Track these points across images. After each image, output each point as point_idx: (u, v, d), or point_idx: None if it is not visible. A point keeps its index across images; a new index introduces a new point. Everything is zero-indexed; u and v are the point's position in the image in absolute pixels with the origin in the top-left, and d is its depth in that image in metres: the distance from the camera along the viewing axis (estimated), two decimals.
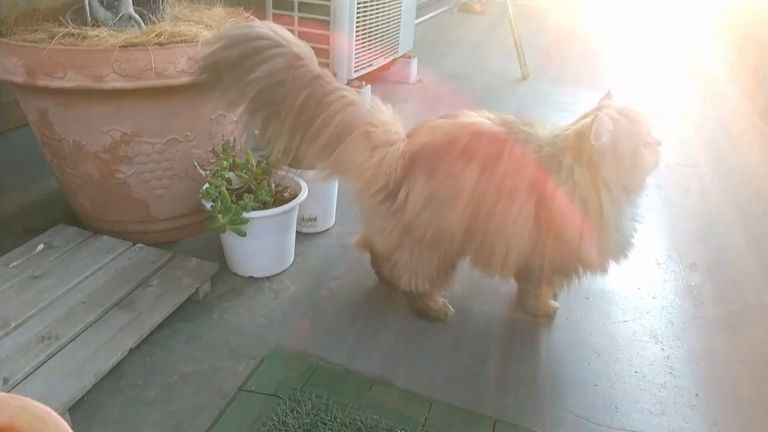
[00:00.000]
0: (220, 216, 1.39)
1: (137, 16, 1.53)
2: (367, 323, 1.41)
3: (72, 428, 0.63)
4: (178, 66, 1.40)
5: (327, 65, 2.61)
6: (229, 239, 1.49)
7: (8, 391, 1.07)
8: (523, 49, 3.55)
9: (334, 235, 1.78)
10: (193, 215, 1.64)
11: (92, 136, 1.44)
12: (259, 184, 1.49)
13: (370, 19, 2.77)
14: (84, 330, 1.22)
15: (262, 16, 2.45)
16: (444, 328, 1.41)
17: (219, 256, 1.56)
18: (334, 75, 1.28)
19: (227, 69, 1.20)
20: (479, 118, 1.28)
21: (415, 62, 3.33)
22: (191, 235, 1.69)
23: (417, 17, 3.49)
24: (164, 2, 1.63)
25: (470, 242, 1.27)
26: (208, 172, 1.47)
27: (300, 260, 1.63)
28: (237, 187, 1.50)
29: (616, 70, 3.96)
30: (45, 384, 1.09)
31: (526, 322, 1.45)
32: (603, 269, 1.28)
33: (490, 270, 1.32)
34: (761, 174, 2.44)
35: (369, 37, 2.79)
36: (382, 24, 2.90)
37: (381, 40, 2.94)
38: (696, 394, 1.26)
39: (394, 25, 3.05)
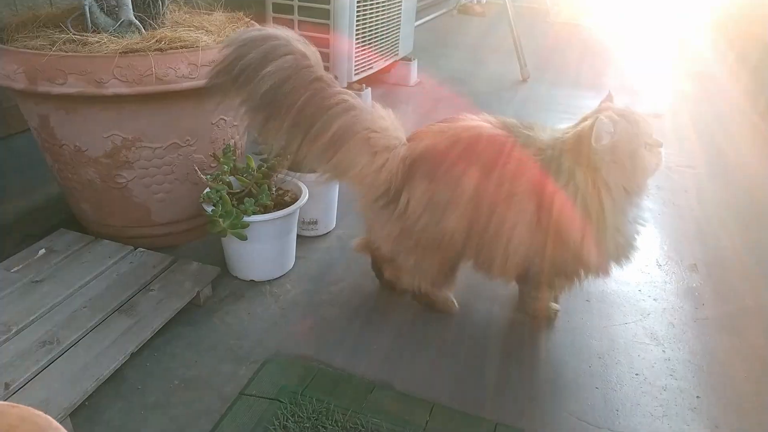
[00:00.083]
0: (220, 220, 1.40)
1: (137, 22, 1.53)
2: (367, 327, 1.41)
3: None
4: (178, 71, 1.40)
5: (327, 68, 2.62)
6: (230, 243, 1.49)
7: (9, 397, 1.07)
8: (523, 50, 3.56)
9: (334, 238, 1.79)
10: (194, 219, 1.64)
11: (93, 142, 1.45)
12: (259, 188, 1.49)
13: (370, 21, 2.77)
14: (85, 335, 1.22)
15: (262, 20, 2.45)
16: (444, 332, 1.41)
17: (220, 260, 1.56)
18: (335, 78, 1.28)
19: (243, 69, 1.21)
20: (479, 121, 1.28)
21: (415, 64, 3.33)
22: (192, 240, 1.70)
23: (417, 19, 3.49)
24: (164, 8, 1.64)
25: (471, 245, 1.27)
26: (208, 176, 1.47)
27: (301, 264, 1.63)
28: (238, 191, 1.50)
29: (616, 70, 3.96)
30: (46, 389, 1.09)
31: (527, 325, 1.45)
32: (605, 272, 1.28)
33: (492, 273, 1.32)
34: (762, 175, 2.44)
35: (369, 39, 2.80)
36: (381, 27, 2.91)
37: (381, 43, 2.94)
38: (697, 396, 1.26)
39: (394, 28, 3.05)
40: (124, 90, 1.36)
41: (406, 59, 3.29)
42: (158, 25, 1.59)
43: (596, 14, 5.75)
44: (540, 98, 3.28)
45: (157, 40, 1.44)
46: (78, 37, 1.42)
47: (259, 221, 1.43)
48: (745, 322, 1.51)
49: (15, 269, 1.40)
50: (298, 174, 1.59)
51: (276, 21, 2.61)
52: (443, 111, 2.87)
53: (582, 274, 1.29)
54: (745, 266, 1.76)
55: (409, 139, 1.31)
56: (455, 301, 1.47)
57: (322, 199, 1.72)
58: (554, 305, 1.47)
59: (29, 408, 0.62)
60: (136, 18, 1.53)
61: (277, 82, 1.20)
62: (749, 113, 3.13)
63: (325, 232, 1.80)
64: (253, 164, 1.55)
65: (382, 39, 2.95)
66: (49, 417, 0.62)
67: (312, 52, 1.25)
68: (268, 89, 1.20)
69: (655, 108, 3.09)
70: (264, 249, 1.50)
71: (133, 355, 1.22)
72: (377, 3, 2.79)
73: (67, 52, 1.37)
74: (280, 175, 1.55)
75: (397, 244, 1.32)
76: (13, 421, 0.59)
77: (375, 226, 1.36)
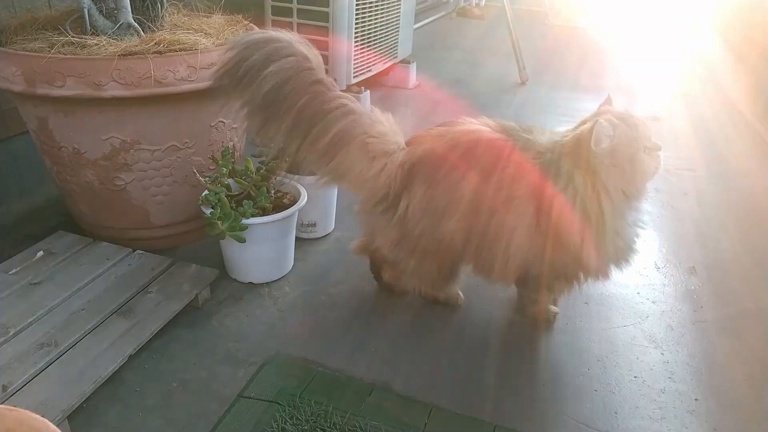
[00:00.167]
0: (219, 222, 1.40)
1: (136, 25, 1.53)
2: (366, 329, 1.41)
3: None
4: (177, 74, 1.40)
5: (326, 71, 2.62)
6: (229, 246, 1.49)
7: (7, 399, 1.07)
8: (522, 53, 3.56)
9: (333, 240, 1.78)
10: (193, 222, 1.64)
11: (92, 144, 1.44)
12: (258, 190, 1.49)
13: (369, 24, 2.78)
14: (83, 337, 1.22)
15: (261, 23, 2.46)
16: (443, 334, 1.41)
17: (218, 262, 1.56)
18: (334, 80, 1.29)
19: (246, 71, 1.21)
20: (478, 125, 1.28)
21: (414, 67, 3.34)
22: (190, 242, 1.70)
23: (416, 22, 3.49)
24: (163, 10, 1.64)
25: (471, 249, 1.27)
26: (207, 178, 1.47)
27: (299, 266, 1.63)
28: (236, 193, 1.50)
29: (615, 73, 3.96)
30: (44, 391, 1.09)
31: (526, 327, 1.45)
32: (604, 275, 1.28)
33: (491, 276, 1.32)
34: (761, 178, 2.44)
35: (368, 42, 2.80)
36: (380, 29, 2.91)
37: (380, 46, 2.94)
38: (695, 399, 1.26)
39: (393, 31, 3.06)
40: (122, 92, 1.36)
41: (405, 62, 3.30)
42: (157, 28, 1.59)
43: (595, 17, 5.77)
44: (539, 101, 3.29)
45: (155, 43, 1.44)
46: (77, 39, 1.43)
47: (258, 224, 1.43)
48: (744, 325, 1.51)
49: (13, 271, 1.40)
50: (296, 176, 1.59)
51: (275, 24, 2.61)
52: (442, 114, 2.88)
53: (581, 277, 1.29)
54: (744, 269, 1.76)
55: (407, 143, 1.31)
56: (461, 294, 1.48)
57: (320, 202, 1.72)
58: (553, 308, 1.47)
59: (27, 411, 0.62)
60: (134, 21, 1.53)
61: (279, 83, 1.21)
62: (748, 115, 3.14)
63: (324, 235, 1.80)
64: (252, 167, 1.55)
65: (381, 42, 2.96)
66: (46, 420, 0.62)
67: (314, 55, 1.26)
68: (270, 89, 1.21)
69: (654, 111, 3.09)
70: (262, 251, 1.50)
71: (131, 357, 1.22)
72: (376, 6, 2.80)
73: (65, 54, 1.37)
74: (278, 178, 1.55)
75: (397, 248, 1.33)
76: (10, 424, 0.59)
77: (375, 231, 1.36)
